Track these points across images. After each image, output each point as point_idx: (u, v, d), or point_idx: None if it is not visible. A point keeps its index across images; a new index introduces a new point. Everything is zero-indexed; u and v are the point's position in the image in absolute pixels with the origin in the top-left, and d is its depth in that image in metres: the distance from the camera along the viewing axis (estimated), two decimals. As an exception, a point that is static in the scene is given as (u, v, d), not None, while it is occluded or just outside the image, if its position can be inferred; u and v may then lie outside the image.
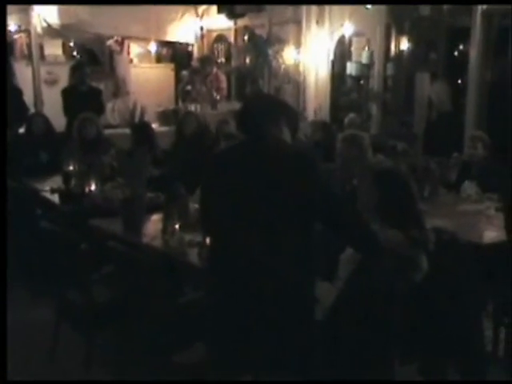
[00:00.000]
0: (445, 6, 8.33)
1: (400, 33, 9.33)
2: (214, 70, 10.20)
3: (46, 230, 3.94)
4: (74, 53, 11.90)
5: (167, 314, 3.38)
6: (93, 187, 5.12)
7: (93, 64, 11.57)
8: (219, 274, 2.63)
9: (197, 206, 3.85)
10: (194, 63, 11.13)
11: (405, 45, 9.32)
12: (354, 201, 3.53)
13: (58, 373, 3.85)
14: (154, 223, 4.32)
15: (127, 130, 7.24)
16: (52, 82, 10.47)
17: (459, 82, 9.36)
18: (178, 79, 11.89)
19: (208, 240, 3.43)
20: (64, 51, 11.38)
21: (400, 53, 9.36)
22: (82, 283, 3.72)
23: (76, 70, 8.38)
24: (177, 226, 3.91)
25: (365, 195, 3.10)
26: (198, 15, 11.24)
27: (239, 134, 2.91)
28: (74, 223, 4.45)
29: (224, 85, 10.15)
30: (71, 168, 5.60)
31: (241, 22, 10.79)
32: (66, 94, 8.10)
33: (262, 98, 3.18)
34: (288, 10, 9.90)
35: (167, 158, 6.05)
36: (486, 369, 3.41)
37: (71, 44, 11.69)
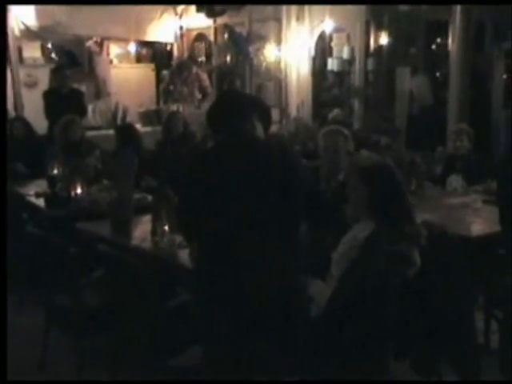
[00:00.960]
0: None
1: (379, 28, 9.38)
2: (194, 69, 10.18)
3: (33, 235, 3.89)
4: (53, 55, 11.79)
5: (159, 317, 3.36)
6: (79, 190, 5.08)
7: (72, 65, 11.47)
8: (210, 276, 2.60)
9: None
10: (175, 63, 11.09)
11: (385, 40, 9.37)
12: (341, 197, 3.54)
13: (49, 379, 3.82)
14: (141, 225, 4.28)
15: (110, 132, 7.18)
16: (32, 85, 10.33)
17: (438, 75, 9.45)
18: (158, 79, 11.85)
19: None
20: (43, 53, 11.23)
21: (380, 48, 9.41)
22: (71, 287, 3.68)
23: (56, 72, 8.30)
24: (166, 228, 3.88)
25: (353, 191, 3.10)
26: (176, 14, 11.18)
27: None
28: (61, 227, 4.41)
29: (206, 83, 10.13)
30: (55, 171, 5.55)
31: (220, 21, 10.76)
32: (48, 96, 8.02)
33: (232, 95, 3.13)
34: (268, 8, 9.89)
35: (154, 159, 6.01)
36: (480, 361, 3.42)
37: (49, 46, 11.58)
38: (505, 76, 8.49)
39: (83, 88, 9.89)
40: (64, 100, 7.78)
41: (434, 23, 9.21)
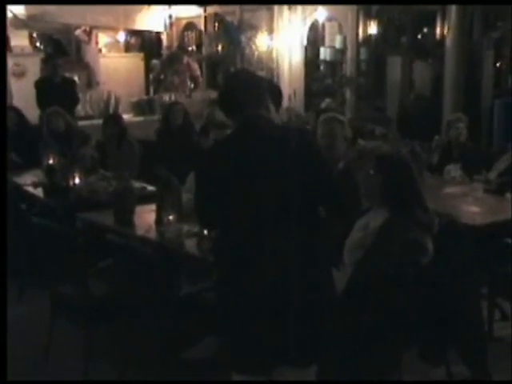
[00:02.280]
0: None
1: (371, 17, 9.36)
2: (185, 59, 10.13)
3: (39, 225, 3.86)
4: (37, 43, 11.70)
5: (168, 307, 3.34)
6: (77, 180, 5.03)
7: (59, 54, 11.38)
8: (232, 265, 2.58)
9: (189, 195, 3.82)
10: (165, 55, 11.02)
11: (377, 29, 9.35)
12: (342, 185, 3.53)
13: (55, 370, 3.78)
14: (144, 215, 4.25)
15: (103, 121, 7.10)
16: (20, 74, 10.22)
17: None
18: (147, 68, 11.78)
19: (206, 231, 3.42)
20: (31, 42, 11.15)
21: (372, 37, 9.39)
22: (78, 277, 3.65)
23: (48, 62, 8.24)
24: (171, 217, 3.85)
25: (366, 180, 3.10)
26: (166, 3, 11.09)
27: (229, 121, 2.85)
28: (62, 217, 4.38)
29: (197, 73, 10.10)
30: (51, 161, 5.49)
31: (211, 9, 10.70)
32: (40, 85, 7.95)
33: (245, 78, 2.99)
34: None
35: (155, 149, 5.99)
36: (486, 349, 3.45)
37: (34, 35, 11.47)
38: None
39: (75, 77, 9.81)
40: (56, 89, 7.71)
41: (424, 13, 9.21)
